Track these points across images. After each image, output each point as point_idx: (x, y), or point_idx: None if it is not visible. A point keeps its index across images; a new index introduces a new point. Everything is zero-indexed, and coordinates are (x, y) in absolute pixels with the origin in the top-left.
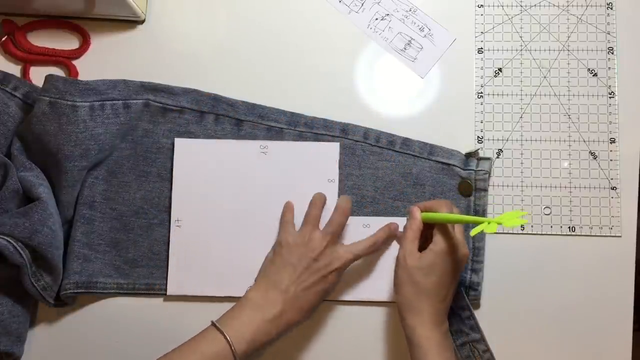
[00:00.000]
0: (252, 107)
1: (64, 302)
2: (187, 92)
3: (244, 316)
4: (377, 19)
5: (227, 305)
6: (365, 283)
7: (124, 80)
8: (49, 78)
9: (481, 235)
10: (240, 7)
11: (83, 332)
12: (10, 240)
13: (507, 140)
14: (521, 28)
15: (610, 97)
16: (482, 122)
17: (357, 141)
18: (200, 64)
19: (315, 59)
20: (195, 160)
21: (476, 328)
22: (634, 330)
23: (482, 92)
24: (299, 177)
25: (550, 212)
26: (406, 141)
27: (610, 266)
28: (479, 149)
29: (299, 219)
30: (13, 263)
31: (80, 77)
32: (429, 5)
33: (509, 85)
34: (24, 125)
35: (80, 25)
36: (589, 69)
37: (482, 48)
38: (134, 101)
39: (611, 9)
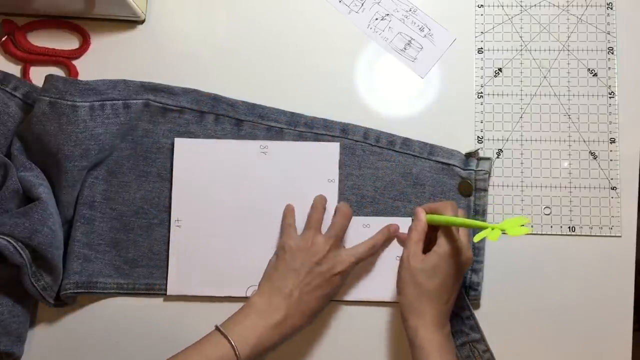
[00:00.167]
0: (252, 107)
1: (64, 302)
2: (187, 92)
3: (248, 321)
4: (377, 19)
5: (227, 305)
6: (366, 283)
7: (124, 80)
8: (49, 78)
9: None
10: (240, 7)
11: (83, 332)
12: (10, 240)
13: (507, 140)
14: (521, 28)
15: (610, 97)
16: (482, 122)
17: (357, 141)
18: (200, 64)
19: (315, 59)
20: (195, 160)
21: (476, 328)
22: (634, 330)
23: (482, 92)
24: (299, 177)
25: (550, 212)
26: (406, 141)
27: (610, 266)
28: (479, 149)
29: (299, 220)
30: (13, 263)
31: (80, 77)
32: (429, 5)
33: (509, 85)
34: (24, 125)
35: (80, 25)
36: (589, 69)
37: (482, 48)
38: (134, 101)
39: (611, 9)
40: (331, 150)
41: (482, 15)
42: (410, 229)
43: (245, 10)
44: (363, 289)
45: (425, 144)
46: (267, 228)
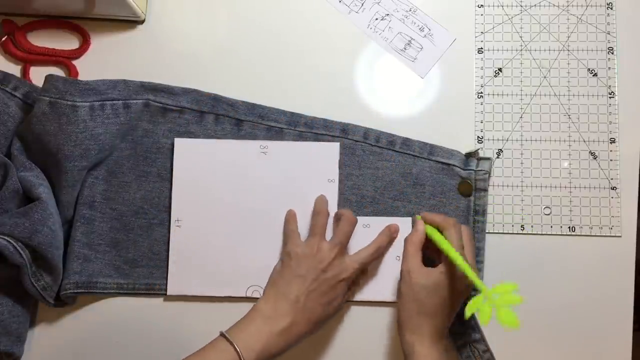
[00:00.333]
0: (252, 107)
1: (64, 302)
2: (187, 92)
3: (253, 327)
4: (377, 19)
5: (227, 305)
6: (366, 283)
7: (124, 80)
8: (49, 78)
9: (481, 235)
10: (241, 7)
11: (83, 332)
12: (10, 240)
13: (507, 140)
14: (521, 28)
15: (610, 97)
16: (482, 122)
17: (357, 141)
18: (200, 64)
19: (315, 59)
20: (195, 160)
21: (476, 328)
22: (634, 330)
23: (482, 92)
24: (299, 177)
25: (550, 212)
26: (406, 141)
27: (610, 266)
28: (479, 149)
29: (299, 220)
30: (13, 263)
31: (80, 77)
32: (429, 5)
33: (509, 85)
34: (24, 125)
35: (80, 25)
36: (589, 69)
37: (482, 48)
38: (134, 101)
39: (611, 9)
40: (331, 150)
41: (482, 15)
42: (407, 240)
43: (246, 10)
44: (363, 289)
45: (425, 144)
46: (267, 228)
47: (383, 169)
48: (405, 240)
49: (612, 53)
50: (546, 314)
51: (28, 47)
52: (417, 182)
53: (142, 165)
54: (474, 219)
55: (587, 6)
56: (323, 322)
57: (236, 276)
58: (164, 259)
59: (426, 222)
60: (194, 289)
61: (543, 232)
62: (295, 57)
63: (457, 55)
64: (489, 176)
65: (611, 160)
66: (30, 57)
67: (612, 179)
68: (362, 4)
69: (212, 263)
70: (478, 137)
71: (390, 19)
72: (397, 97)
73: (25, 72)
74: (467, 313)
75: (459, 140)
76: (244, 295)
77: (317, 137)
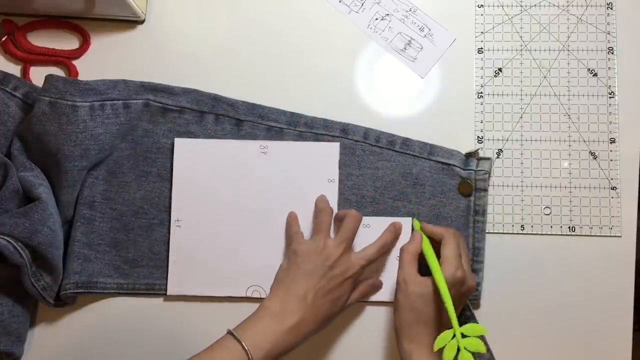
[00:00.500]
0: (252, 107)
1: (64, 302)
2: (187, 92)
3: (261, 325)
4: (377, 19)
5: (227, 305)
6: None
7: (124, 80)
8: (49, 78)
9: (481, 235)
10: (241, 7)
11: (83, 332)
12: (10, 240)
13: (507, 140)
14: (521, 28)
15: (610, 97)
16: (482, 122)
17: (357, 141)
18: (200, 64)
19: (315, 59)
20: (195, 160)
21: None
22: (634, 330)
23: (482, 92)
24: (299, 177)
25: (550, 212)
26: (406, 141)
27: (610, 266)
28: (479, 149)
29: (300, 221)
30: (13, 263)
31: (80, 77)
32: (429, 5)
33: (509, 85)
34: (24, 125)
35: (80, 25)
36: (589, 69)
37: (482, 48)
38: (134, 101)
39: (611, 9)
40: (331, 150)
41: (482, 15)
42: (402, 249)
43: (246, 10)
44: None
45: (425, 144)
46: (267, 228)
47: (383, 169)
48: (402, 249)
49: (612, 53)
50: (546, 313)
51: (28, 47)
52: (417, 182)
53: (142, 165)
54: (474, 219)
55: (587, 6)
56: (330, 319)
57: (236, 276)
58: (164, 259)
59: (426, 233)
60: (194, 289)
61: (543, 232)
62: (295, 57)
63: (457, 55)
64: (489, 176)
65: (611, 160)
66: (30, 57)
67: (612, 179)
68: (362, 4)
69: (212, 263)
70: (478, 137)
71: (390, 19)
72: (397, 97)
73: (25, 72)
74: (436, 347)
75: (459, 140)
76: (244, 295)
77: (317, 137)
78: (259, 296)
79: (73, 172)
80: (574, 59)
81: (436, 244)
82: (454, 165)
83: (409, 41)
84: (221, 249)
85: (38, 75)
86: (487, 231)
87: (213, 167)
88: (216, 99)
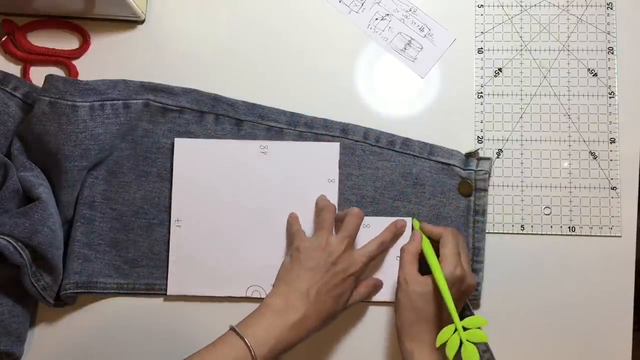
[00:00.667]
0: (252, 107)
1: (64, 302)
2: (187, 92)
3: (264, 322)
4: (377, 19)
5: (227, 305)
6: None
7: (124, 80)
8: (49, 78)
9: (481, 235)
10: (241, 7)
11: (83, 332)
12: (10, 240)
13: (507, 140)
14: (521, 28)
15: (610, 97)
16: (482, 122)
17: (357, 141)
18: (200, 64)
19: (315, 59)
20: (195, 160)
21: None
22: (634, 330)
23: (482, 92)
24: (299, 177)
25: (550, 212)
26: (406, 141)
27: (610, 266)
28: (479, 149)
29: (300, 220)
30: (13, 263)
31: (80, 77)
32: (429, 5)
33: (509, 85)
34: (24, 125)
35: (80, 25)
36: (589, 69)
37: (482, 48)
38: (134, 101)
39: (611, 9)
40: (331, 150)
41: (482, 15)
42: (403, 249)
43: (246, 10)
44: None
45: (425, 144)
46: (267, 228)
47: (383, 169)
48: (402, 249)
49: (612, 53)
50: (546, 313)
51: (28, 47)
52: (417, 182)
53: (142, 165)
54: (474, 219)
55: (587, 6)
56: (332, 317)
57: (236, 276)
58: (164, 259)
59: (425, 233)
60: (194, 289)
61: (543, 232)
62: (295, 57)
63: (457, 55)
64: (489, 176)
65: (611, 160)
66: (30, 57)
67: (612, 179)
68: (362, 4)
69: (212, 263)
70: (478, 137)
71: (390, 19)
72: (397, 97)
73: (25, 72)
74: (438, 342)
75: (459, 140)
76: (244, 295)
77: (317, 137)
78: (259, 296)
79: (73, 172)
80: (574, 59)
81: (436, 244)
82: (454, 165)
83: (409, 41)
84: (221, 249)
85: (38, 75)
86: (487, 231)
87: (213, 167)
88: (216, 99)
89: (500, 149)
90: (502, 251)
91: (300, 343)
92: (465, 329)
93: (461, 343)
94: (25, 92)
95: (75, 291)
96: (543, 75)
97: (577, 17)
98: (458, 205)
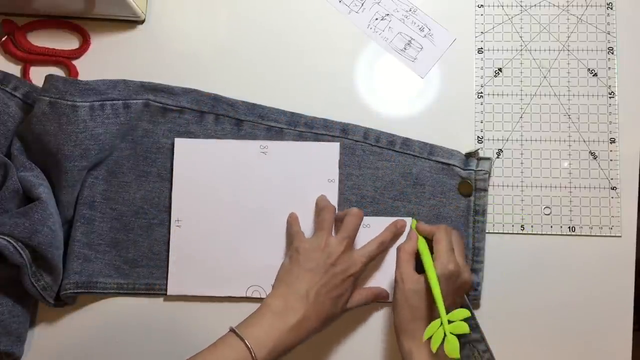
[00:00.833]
0: (252, 107)
1: (64, 302)
2: (187, 92)
3: (264, 323)
4: (377, 19)
5: (227, 305)
6: (367, 283)
7: (124, 80)
8: (49, 78)
9: (481, 235)
10: (241, 7)
11: (83, 332)
12: (10, 240)
13: (507, 140)
14: (521, 28)
15: (610, 97)
16: (482, 122)
17: (357, 141)
18: (200, 64)
19: (315, 59)
20: (195, 160)
21: (476, 328)
22: (634, 330)
23: (482, 92)
24: (299, 177)
25: (550, 212)
26: (406, 141)
27: (610, 266)
28: (479, 149)
29: (300, 220)
30: (13, 263)
31: (80, 77)
32: (429, 5)
33: (509, 85)
34: (24, 125)
35: (80, 25)
36: (589, 69)
37: (482, 48)
38: (134, 101)
39: (611, 9)
40: (331, 150)
41: (482, 15)
42: (399, 248)
43: (246, 10)
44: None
45: (425, 144)
46: (267, 228)
47: (383, 169)
48: (398, 248)
49: (612, 53)
50: (546, 313)
51: (28, 47)
52: (417, 182)
53: (142, 165)
54: (474, 219)
55: (587, 6)
56: (332, 318)
57: (236, 276)
58: (164, 259)
59: (420, 233)
60: (194, 289)
61: (543, 232)
62: (295, 57)
63: (457, 55)
64: (489, 176)
65: (611, 160)
66: (30, 57)
67: (612, 179)
68: (362, 4)
69: (212, 263)
70: (478, 137)
71: (390, 19)
72: (397, 97)
73: (25, 72)
74: (425, 336)
75: (459, 140)
76: (244, 295)
77: (317, 137)
78: (259, 296)
79: (73, 172)
80: (574, 59)
81: (431, 243)
82: (454, 165)
83: (409, 41)
84: (221, 249)
85: (38, 75)
86: (487, 231)
87: (213, 167)
88: (216, 99)
89: (500, 149)
90: (502, 251)
91: (300, 344)
92: (451, 322)
93: (445, 335)
94: (25, 92)
95: (75, 291)
96: (543, 75)
97: (577, 17)
98: (458, 205)
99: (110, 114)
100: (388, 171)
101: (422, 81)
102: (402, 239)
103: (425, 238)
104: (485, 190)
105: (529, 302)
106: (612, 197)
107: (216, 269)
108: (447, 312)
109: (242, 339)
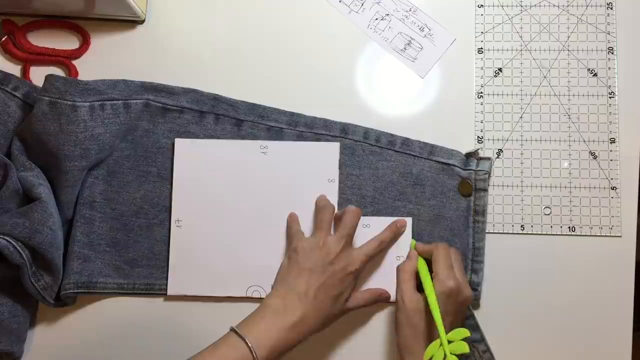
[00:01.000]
0: (252, 107)
1: (64, 302)
2: (187, 92)
3: (264, 323)
4: (377, 19)
5: (227, 305)
6: (366, 284)
7: (124, 80)
8: (49, 78)
9: (481, 235)
10: (241, 7)
11: (83, 332)
12: (10, 240)
13: (507, 140)
14: (521, 28)
15: (610, 97)
16: (482, 122)
17: (357, 141)
18: (200, 64)
19: (315, 59)
20: (195, 160)
21: (476, 328)
22: (634, 330)
23: (482, 92)
24: (299, 177)
25: (550, 212)
26: (406, 141)
27: (610, 266)
28: (479, 149)
29: (300, 220)
30: (13, 263)
31: (80, 77)
32: (429, 5)
33: (509, 85)
34: (24, 125)
35: (80, 25)
36: (589, 69)
37: (482, 48)
38: (134, 101)
39: (611, 9)
40: (331, 150)
41: (482, 15)
42: (399, 268)
43: (246, 10)
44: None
45: (425, 144)
46: (267, 228)
47: (383, 169)
48: (398, 268)
49: (612, 53)
50: (546, 313)
51: (28, 47)
52: (417, 182)
53: (142, 165)
54: (474, 219)
55: (587, 6)
56: (332, 317)
57: (236, 276)
58: (164, 259)
59: (419, 253)
60: (194, 289)
61: (543, 232)
62: (295, 57)
63: (457, 55)
64: (489, 176)
65: (611, 160)
66: (30, 57)
67: (612, 179)
68: (362, 4)
69: (212, 263)
70: (478, 137)
71: (390, 19)
72: (397, 97)
73: (25, 72)
74: (425, 357)
75: (459, 140)
76: (244, 295)
77: (317, 137)
78: (259, 296)
79: (73, 172)
80: (574, 59)
81: (431, 262)
82: (454, 165)
83: (409, 41)
84: (221, 249)
85: (38, 75)
86: (487, 231)
87: (213, 167)
88: (216, 99)
89: (500, 149)
90: (502, 251)
91: (300, 343)
92: (451, 342)
93: (445, 356)
94: (25, 92)
95: (75, 291)
96: (543, 75)
97: (577, 17)
98: (458, 205)
99: (110, 113)
100: (388, 171)
101: (422, 81)
102: (403, 239)
103: (426, 259)
104: (485, 190)
105: (528, 302)
106: (612, 197)
107: (216, 269)
108: (450, 329)
109: (242, 339)
